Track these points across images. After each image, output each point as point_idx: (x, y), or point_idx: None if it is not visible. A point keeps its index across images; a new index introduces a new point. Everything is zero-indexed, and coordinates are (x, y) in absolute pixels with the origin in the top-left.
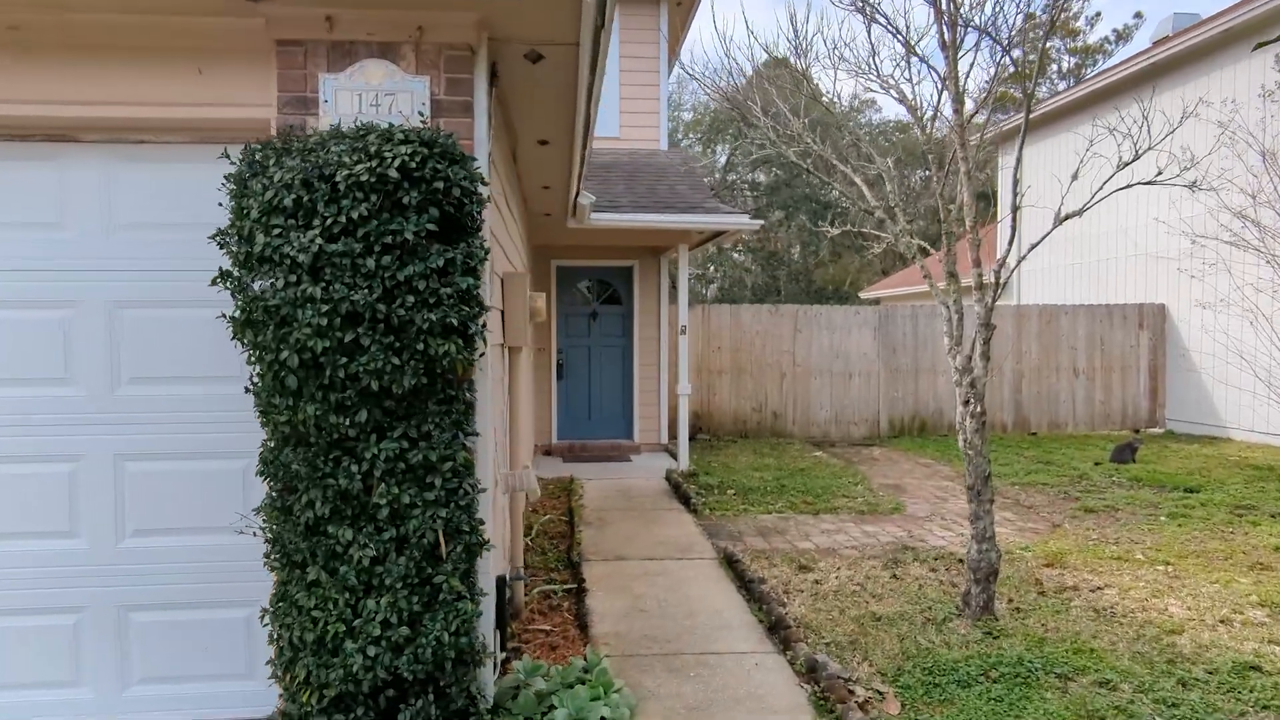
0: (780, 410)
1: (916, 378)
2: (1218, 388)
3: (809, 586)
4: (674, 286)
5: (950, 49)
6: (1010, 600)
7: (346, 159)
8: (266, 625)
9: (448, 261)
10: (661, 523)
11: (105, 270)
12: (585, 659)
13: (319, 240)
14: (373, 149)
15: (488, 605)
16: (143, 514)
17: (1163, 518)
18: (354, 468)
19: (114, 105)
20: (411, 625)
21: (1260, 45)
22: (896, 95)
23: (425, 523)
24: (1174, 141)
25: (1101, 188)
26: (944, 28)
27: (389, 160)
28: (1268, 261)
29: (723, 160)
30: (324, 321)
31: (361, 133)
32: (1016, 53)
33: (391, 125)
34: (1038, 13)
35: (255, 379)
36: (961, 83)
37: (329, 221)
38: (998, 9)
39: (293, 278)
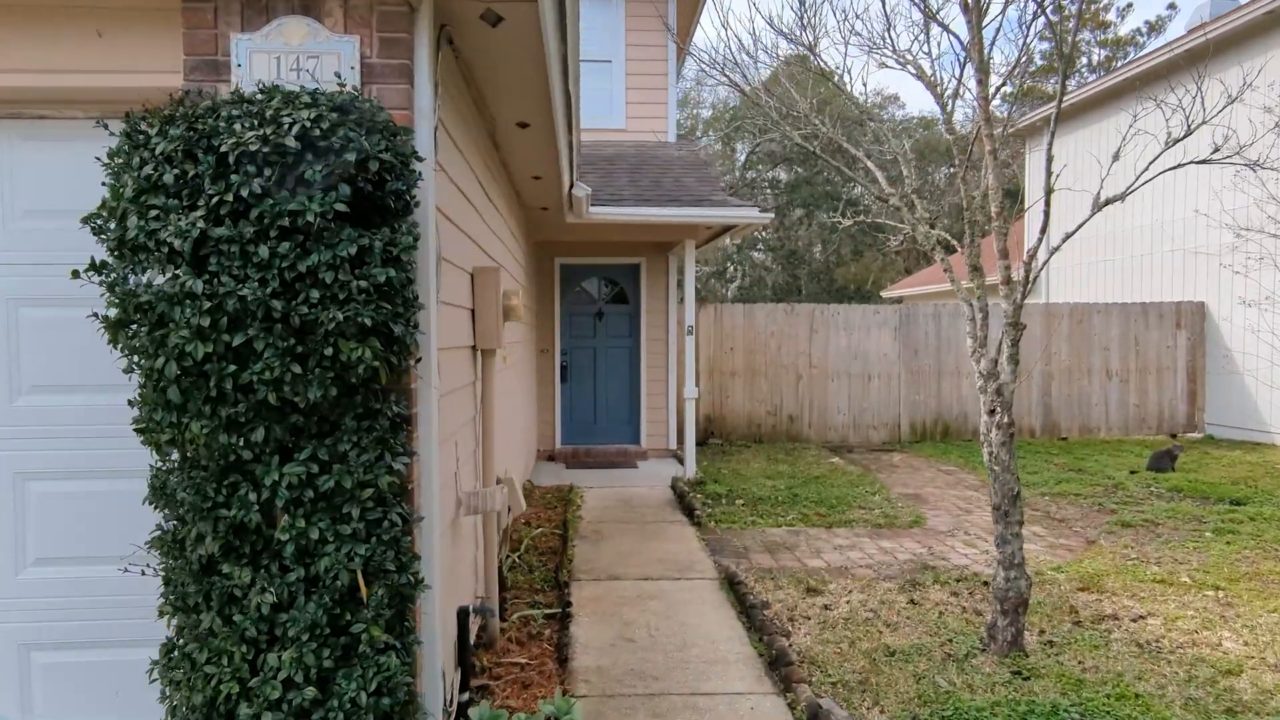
0: (796, 414)
1: (939, 380)
2: (1262, 390)
3: (817, 613)
4: (681, 285)
5: (974, 12)
6: (1042, 632)
7: (238, 126)
8: (155, 681)
9: (362, 249)
10: (662, 537)
11: (2, 264)
12: (554, 705)
13: (201, 224)
14: (269, 114)
15: (431, 652)
16: (47, 541)
17: (1208, 533)
18: (252, 496)
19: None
20: (321, 685)
21: None
22: (914, 71)
23: (339, 561)
24: (1220, 124)
25: (1148, 167)
26: None
27: (286, 127)
28: None
29: (742, 158)
30: (205, 322)
31: (264, 97)
32: (1045, 46)
33: (303, 89)
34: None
35: (139, 391)
36: (986, 51)
37: (214, 200)
38: None
39: (171, 269)
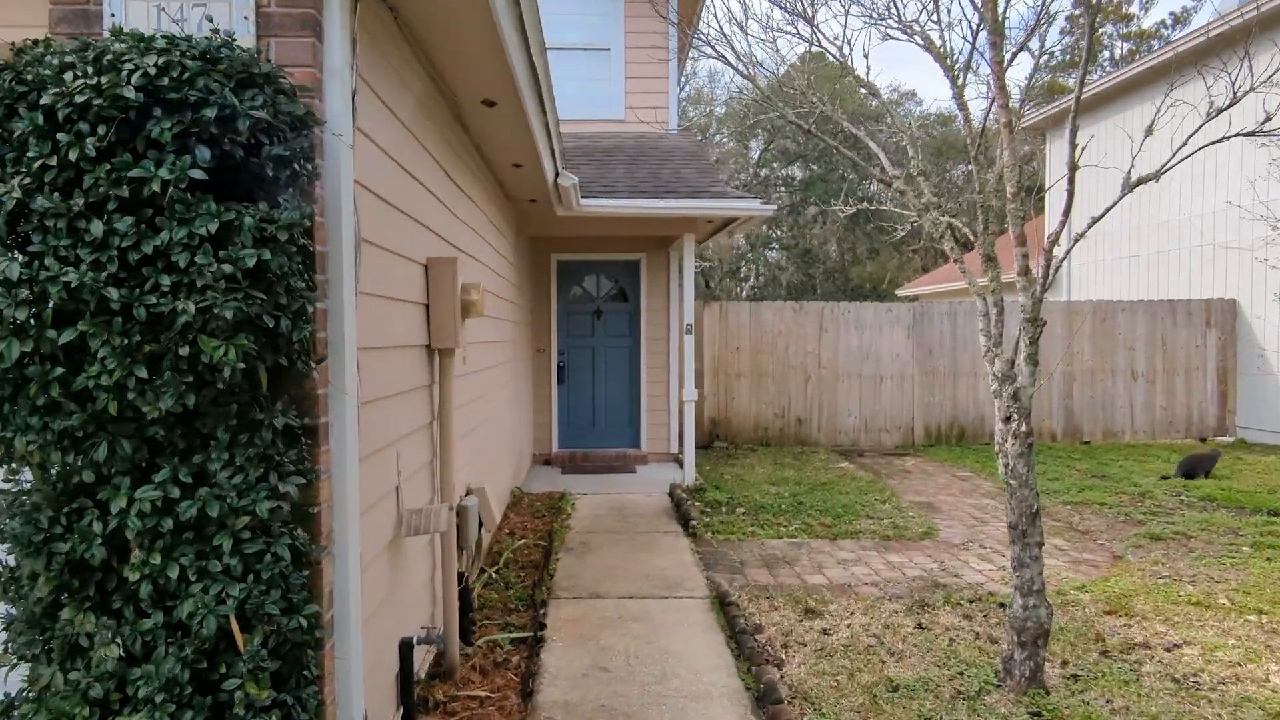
0: (805, 416)
1: (955, 381)
2: None
3: (814, 638)
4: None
5: None
6: (1065, 663)
7: (69, 75)
8: None
9: (227, 226)
10: (653, 549)
11: None
12: None
13: (19, 193)
14: (107, 60)
15: (347, 702)
16: None
17: (1246, 548)
18: (96, 526)
19: None
20: None
21: None
22: (922, 42)
23: (205, 605)
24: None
25: (1187, 141)
26: None
27: (127, 75)
28: None
29: (756, 155)
30: (23, 314)
31: (110, 39)
32: (1066, 40)
33: (156, 33)
34: None
35: None
36: (1001, 10)
37: (37, 165)
38: None
39: None
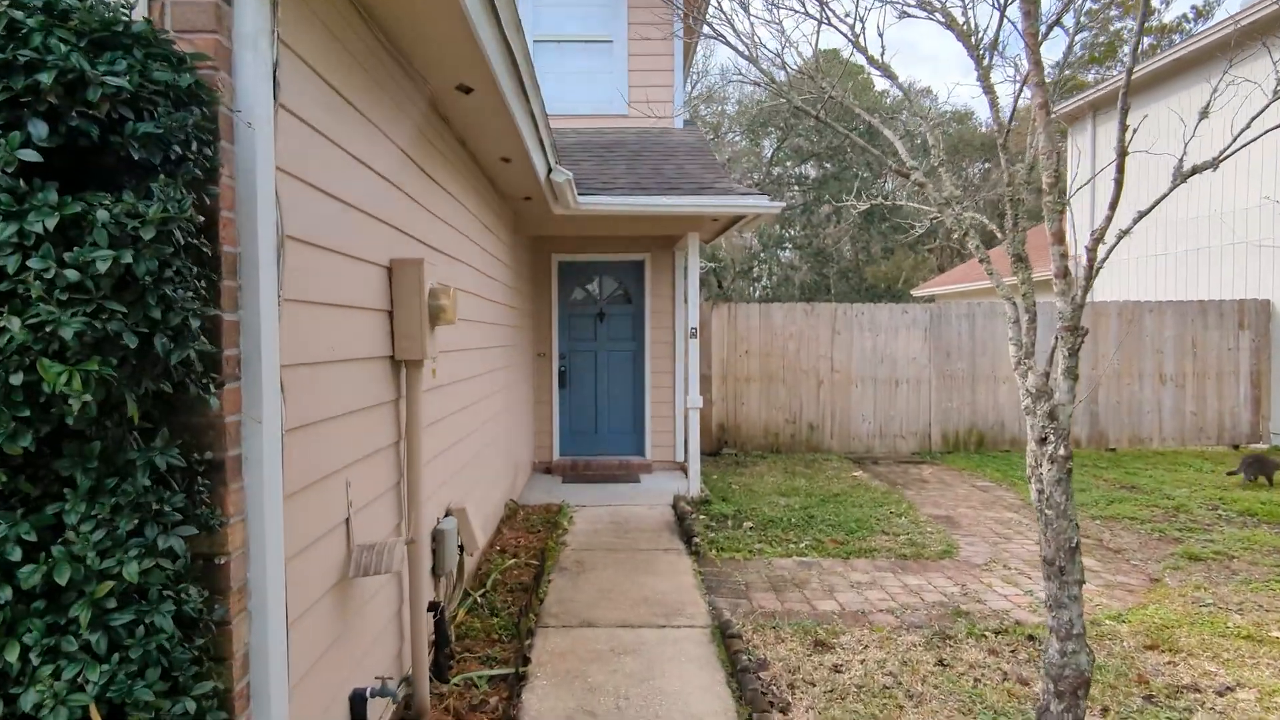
0: (817, 422)
1: (973, 385)
2: None
3: (824, 676)
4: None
5: None
6: (1105, 710)
7: None
8: None
9: (72, 221)
10: (653, 569)
11: None
12: None
13: None
14: None
15: None
16: None
17: None
18: None
19: None
20: None
21: None
22: (943, 19)
23: (56, 693)
24: None
25: (1250, 123)
26: None
27: None
28: None
29: (769, 154)
30: None
31: None
32: (1084, 35)
33: None
34: None
35: None
36: None
37: None
38: None
39: None
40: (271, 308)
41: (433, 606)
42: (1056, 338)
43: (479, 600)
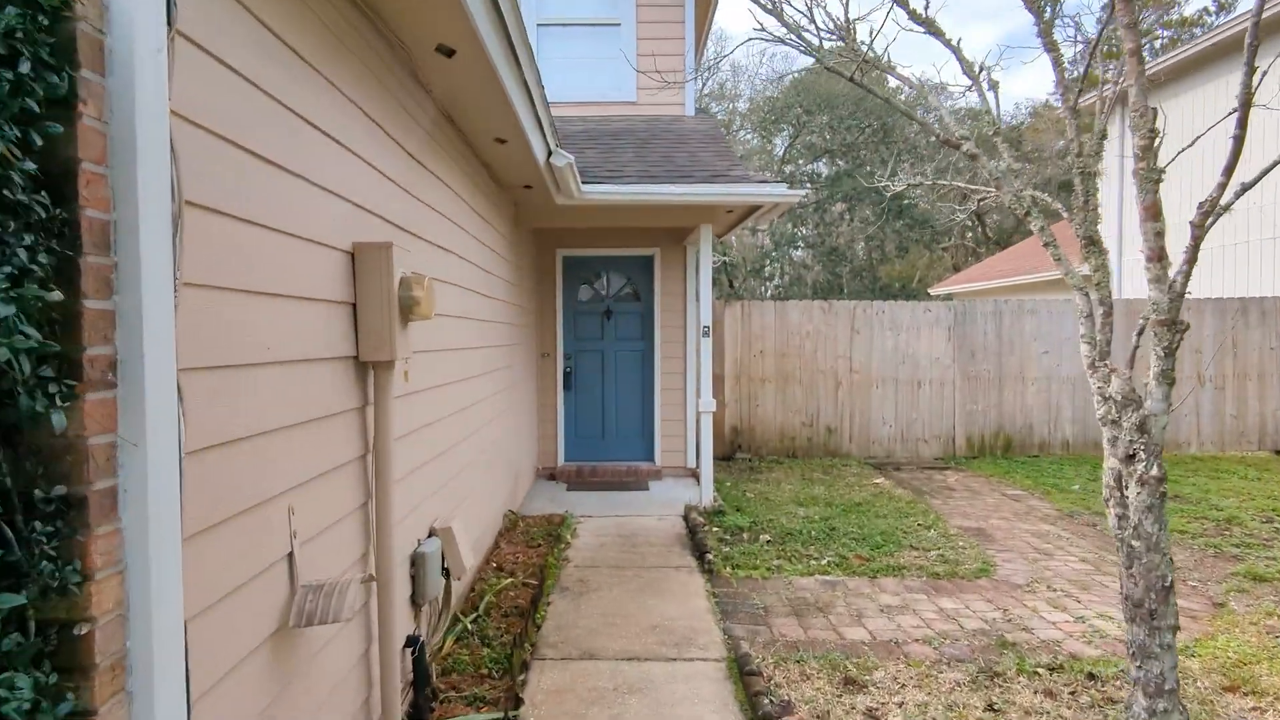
0: (835, 425)
1: (1000, 386)
2: None
3: None
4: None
5: None
6: None
7: None
8: None
9: None
10: (662, 590)
11: None
12: None
13: None
14: None
15: None
16: None
17: None
18: None
19: None
20: None
21: None
22: None
23: None
24: None
25: None
26: None
27: None
28: None
29: (781, 151)
30: None
31: None
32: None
33: None
34: None
35: None
36: None
37: None
38: None
39: None
40: (163, 294)
41: (411, 642)
42: (1150, 334)
43: (469, 627)
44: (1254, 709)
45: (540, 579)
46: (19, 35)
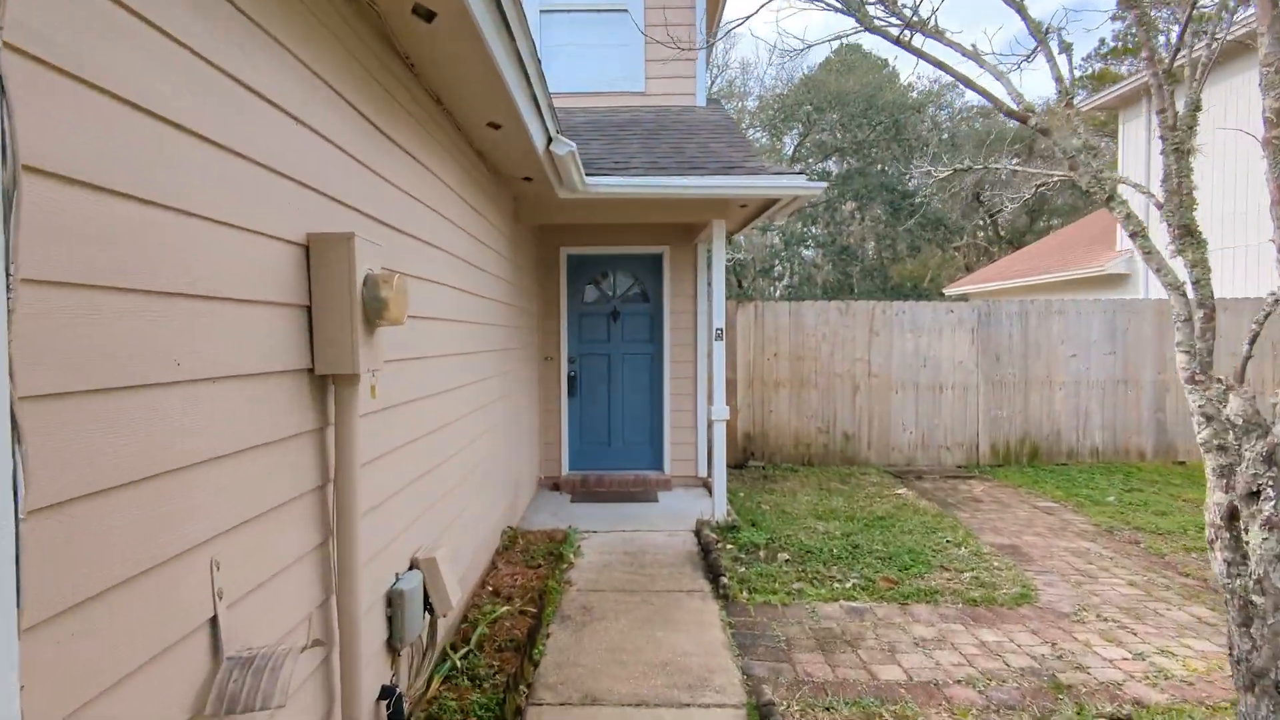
0: (852, 431)
1: (1026, 391)
2: None
3: None
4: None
5: None
6: None
7: None
8: None
9: None
10: (674, 619)
11: None
12: None
13: None
14: None
15: None
16: None
17: None
18: None
19: None
20: None
21: None
22: None
23: None
24: None
25: None
26: None
27: None
28: None
29: (790, 149)
30: None
31: None
32: (1117, 26)
33: None
34: None
35: None
36: None
37: None
38: None
39: None
40: None
41: (386, 693)
42: (1250, 342)
43: (458, 665)
44: None
45: (540, 605)
46: None
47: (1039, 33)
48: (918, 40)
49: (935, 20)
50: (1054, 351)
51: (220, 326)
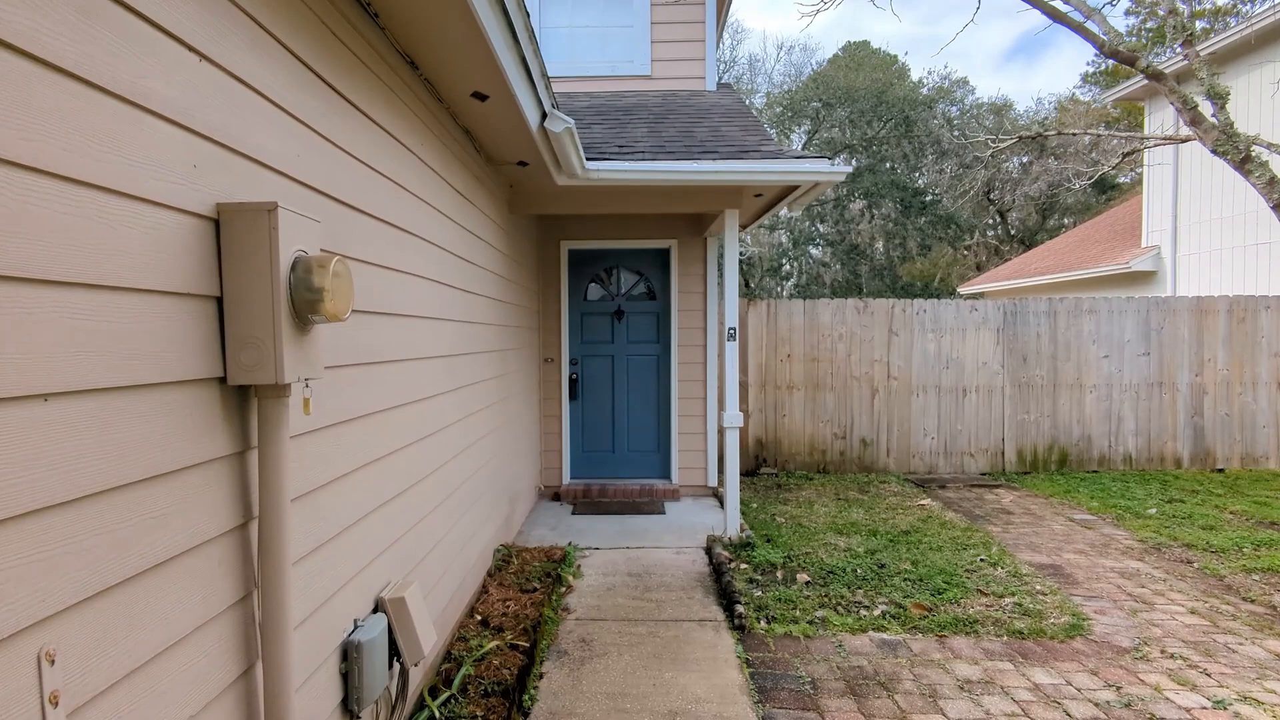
0: (870, 436)
1: (1054, 394)
2: None
3: None
4: (723, 275)
5: None
6: None
7: None
8: None
9: None
10: (684, 656)
11: None
12: None
13: None
14: None
15: None
16: None
17: None
18: None
19: None
20: None
21: None
22: None
23: None
24: None
25: None
26: None
27: None
28: None
29: (799, 146)
30: None
31: None
32: (1131, 21)
33: None
34: None
35: None
36: None
37: None
38: None
39: None
40: None
41: None
42: None
43: (437, 715)
44: None
45: (533, 639)
46: None
47: None
48: None
49: None
50: (1084, 352)
51: (58, 325)
